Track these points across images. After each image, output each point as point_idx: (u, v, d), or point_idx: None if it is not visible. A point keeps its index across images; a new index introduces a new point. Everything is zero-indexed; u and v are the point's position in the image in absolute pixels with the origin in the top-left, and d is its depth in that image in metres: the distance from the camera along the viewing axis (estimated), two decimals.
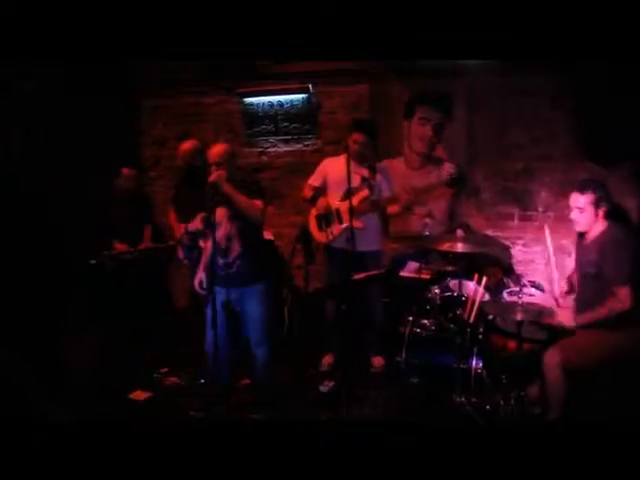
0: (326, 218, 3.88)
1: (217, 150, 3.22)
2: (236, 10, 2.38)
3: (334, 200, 3.84)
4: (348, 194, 3.33)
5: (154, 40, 2.48)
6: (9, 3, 2.38)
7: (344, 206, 3.77)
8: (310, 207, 4.00)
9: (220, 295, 3.11)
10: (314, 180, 3.98)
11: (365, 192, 3.76)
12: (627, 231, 3.06)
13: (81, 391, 3.67)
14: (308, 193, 3.97)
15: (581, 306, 3.01)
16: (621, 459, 1.78)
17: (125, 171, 4.50)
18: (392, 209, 3.89)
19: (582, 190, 2.95)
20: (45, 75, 4.14)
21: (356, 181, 3.67)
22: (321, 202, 3.86)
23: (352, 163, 3.71)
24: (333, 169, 3.88)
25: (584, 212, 2.94)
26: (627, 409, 2.71)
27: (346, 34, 2.42)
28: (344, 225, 3.77)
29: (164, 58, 3.90)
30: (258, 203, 3.18)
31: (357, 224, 3.65)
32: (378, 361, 4.05)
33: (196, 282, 3.41)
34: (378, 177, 3.84)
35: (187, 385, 3.89)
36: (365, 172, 3.76)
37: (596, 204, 2.92)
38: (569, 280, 3.29)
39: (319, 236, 3.95)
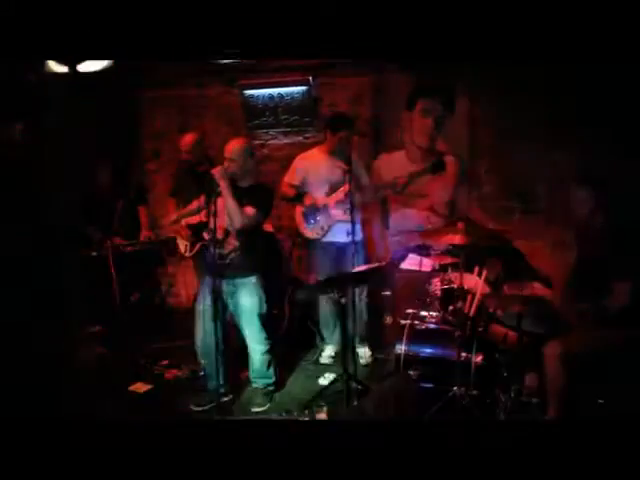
0: (314, 214, 3.87)
1: (231, 145, 3.22)
2: (235, 9, 2.36)
3: (319, 195, 3.84)
4: (351, 187, 3.34)
5: (154, 40, 2.47)
6: (11, 1, 2.37)
7: (331, 200, 3.79)
8: (293, 205, 3.99)
9: (215, 286, 3.11)
10: (293, 179, 3.95)
11: (349, 185, 3.75)
12: (628, 227, 3.05)
13: (81, 384, 3.68)
14: (290, 192, 3.95)
15: (579, 299, 3.01)
16: (621, 455, 1.78)
17: (100, 168, 4.48)
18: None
19: (583, 182, 2.93)
20: (46, 68, 4.13)
21: (338, 175, 3.69)
22: (307, 198, 3.85)
23: (332, 158, 3.74)
24: (311, 166, 3.89)
25: (585, 205, 2.93)
26: (628, 404, 2.71)
27: (346, 33, 2.40)
28: (332, 220, 3.79)
29: (164, 58, 3.88)
30: (249, 210, 3.16)
31: (344, 217, 3.67)
32: (365, 353, 4.07)
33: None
34: (354, 166, 3.84)
35: (187, 378, 3.89)
36: (344, 165, 3.76)
37: (597, 197, 2.91)
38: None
39: (308, 232, 3.95)
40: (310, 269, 4.20)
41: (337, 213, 3.76)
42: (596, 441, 1.83)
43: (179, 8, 2.35)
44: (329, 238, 3.86)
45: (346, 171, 3.60)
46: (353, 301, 3.55)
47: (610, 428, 1.91)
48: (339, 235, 3.76)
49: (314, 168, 3.86)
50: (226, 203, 3.10)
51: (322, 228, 3.86)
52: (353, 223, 3.50)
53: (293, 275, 4.73)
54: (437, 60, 3.62)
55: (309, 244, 4.08)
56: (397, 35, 2.37)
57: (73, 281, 4.40)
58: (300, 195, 3.90)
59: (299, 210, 3.95)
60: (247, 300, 3.32)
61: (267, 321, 3.43)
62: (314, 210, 3.86)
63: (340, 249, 3.80)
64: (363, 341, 4.08)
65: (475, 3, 2.30)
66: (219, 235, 3.20)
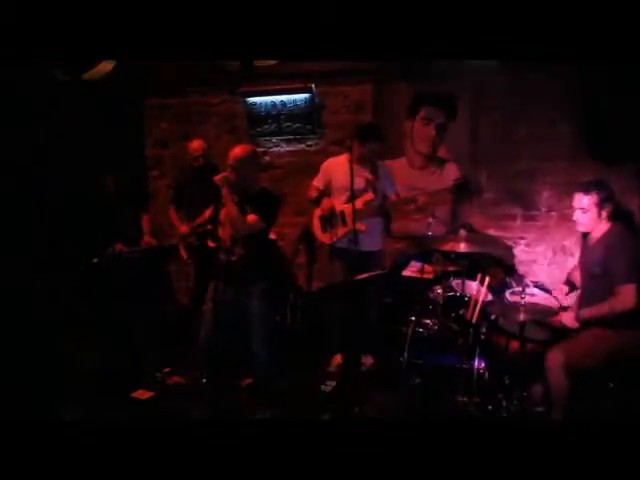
0: (330, 219, 3.88)
1: (235, 152, 3.19)
2: (237, 9, 2.38)
3: (339, 202, 3.84)
4: (352, 197, 3.35)
5: (155, 40, 2.48)
6: (11, 3, 2.38)
7: (349, 208, 3.78)
8: (314, 208, 3.99)
9: (221, 292, 3.12)
10: (318, 182, 3.96)
11: (370, 195, 3.75)
12: (631, 231, 3.05)
13: (83, 390, 3.68)
14: (313, 194, 3.97)
15: (584, 304, 3.01)
16: (623, 458, 1.77)
17: (105, 180, 4.50)
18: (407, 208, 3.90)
19: (586, 191, 2.93)
20: (49, 74, 4.16)
21: (360, 183, 3.67)
22: (326, 203, 3.85)
23: (357, 166, 3.72)
24: (337, 171, 3.85)
25: (587, 213, 2.93)
26: (630, 409, 2.71)
27: (348, 34, 2.42)
28: (348, 227, 3.78)
29: (164, 58, 3.91)
30: (252, 217, 3.16)
31: (361, 227, 3.66)
32: (367, 361, 4.05)
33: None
34: (381, 177, 3.83)
35: (190, 385, 3.88)
36: (368, 174, 3.75)
37: (600, 205, 2.91)
38: (569, 279, 3.29)
39: (323, 237, 3.95)
40: (323, 275, 4.18)
41: (352, 222, 3.73)
42: (598, 447, 1.82)
43: (181, 10, 2.37)
44: (344, 245, 3.84)
45: (369, 181, 3.60)
46: (358, 308, 3.53)
47: (613, 433, 1.91)
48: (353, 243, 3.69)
49: (338, 174, 3.82)
50: (227, 211, 3.10)
51: (336, 234, 3.86)
52: (355, 230, 3.49)
53: (295, 282, 4.74)
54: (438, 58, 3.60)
55: (321, 249, 4.05)
56: (397, 36, 2.39)
57: (75, 287, 4.42)
58: (320, 198, 3.91)
59: (317, 214, 3.96)
60: (255, 306, 3.32)
61: (271, 327, 3.43)
62: (332, 215, 3.86)
63: (359, 256, 3.71)
64: (367, 348, 4.06)
65: (474, 5, 2.31)
66: (226, 243, 3.20)
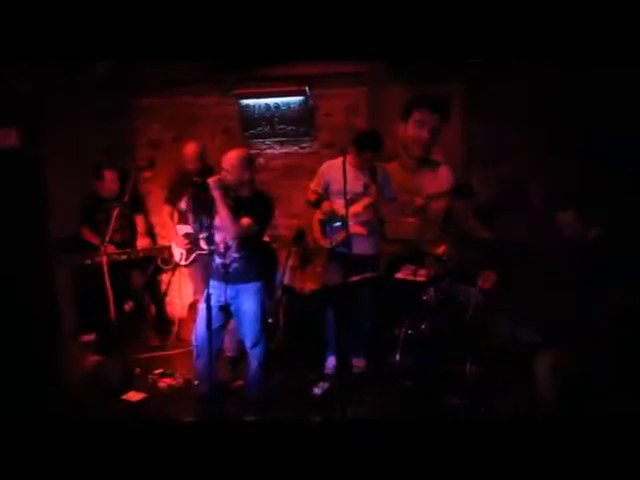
0: (330, 223, 3.87)
1: (228, 156, 3.20)
2: (236, 10, 2.38)
3: (338, 205, 3.83)
4: (346, 201, 3.36)
5: (153, 40, 2.48)
6: (9, 2, 2.38)
7: (348, 212, 3.77)
8: (313, 211, 3.99)
9: (216, 291, 3.11)
10: (316, 185, 3.95)
11: (368, 199, 3.75)
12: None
13: (75, 392, 3.67)
14: (312, 197, 3.96)
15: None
16: (615, 457, 1.78)
17: (107, 174, 4.46)
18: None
19: (566, 206, 3.00)
20: (42, 74, 4.14)
21: (359, 187, 3.67)
22: (325, 207, 3.84)
23: (356, 170, 3.73)
24: (335, 174, 3.81)
25: (572, 226, 3.00)
26: (621, 408, 2.72)
27: (345, 34, 2.43)
28: (348, 230, 3.78)
29: (163, 58, 3.90)
30: (245, 220, 3.16)
31: (360, 230, 3.66)
32: (359, 363, 4.05)
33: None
34: (379, 179, 3.83)
35: (181, 387, 3.87)
36: (367, 179, 3.75)
37: (582, 218, 2.97)
38: None
39: (322, 241, 3.94)
40: (317, 277, 4.17)
41: (353, 225, 3.73)
42: (589, 446, 1.83)
43: (177, 10, 2.37)
44: (342, 249, 3.81)
45: (367, 185, 3.60)
46: (352, 311, 3.52)
47: (604, 432, 1.92)
48: (355, 246, 3.61)
49: (336, 177, 3.79)
50: (219, 213, 3.10)
51: (335, 238, 3.85)
52: (348, 234, 3.49)
53: (288, 284, 4.72)
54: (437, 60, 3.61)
55: (318, 252, 4.04)
56: (390, 37, 2.40)
57: (67, 289, 4.40)
58: (319, 201, 3.90)
59: (317, 217, 3.95)
60: (250, 305, 3.31)
61: (265, 328, 3.42)
62: (331, 219, 3.86)
63: (356, 260, 3.61)
64: (359, 350, 4.06)
65: (471, 6, 2.33)
66: (220, 247, 3.20)
